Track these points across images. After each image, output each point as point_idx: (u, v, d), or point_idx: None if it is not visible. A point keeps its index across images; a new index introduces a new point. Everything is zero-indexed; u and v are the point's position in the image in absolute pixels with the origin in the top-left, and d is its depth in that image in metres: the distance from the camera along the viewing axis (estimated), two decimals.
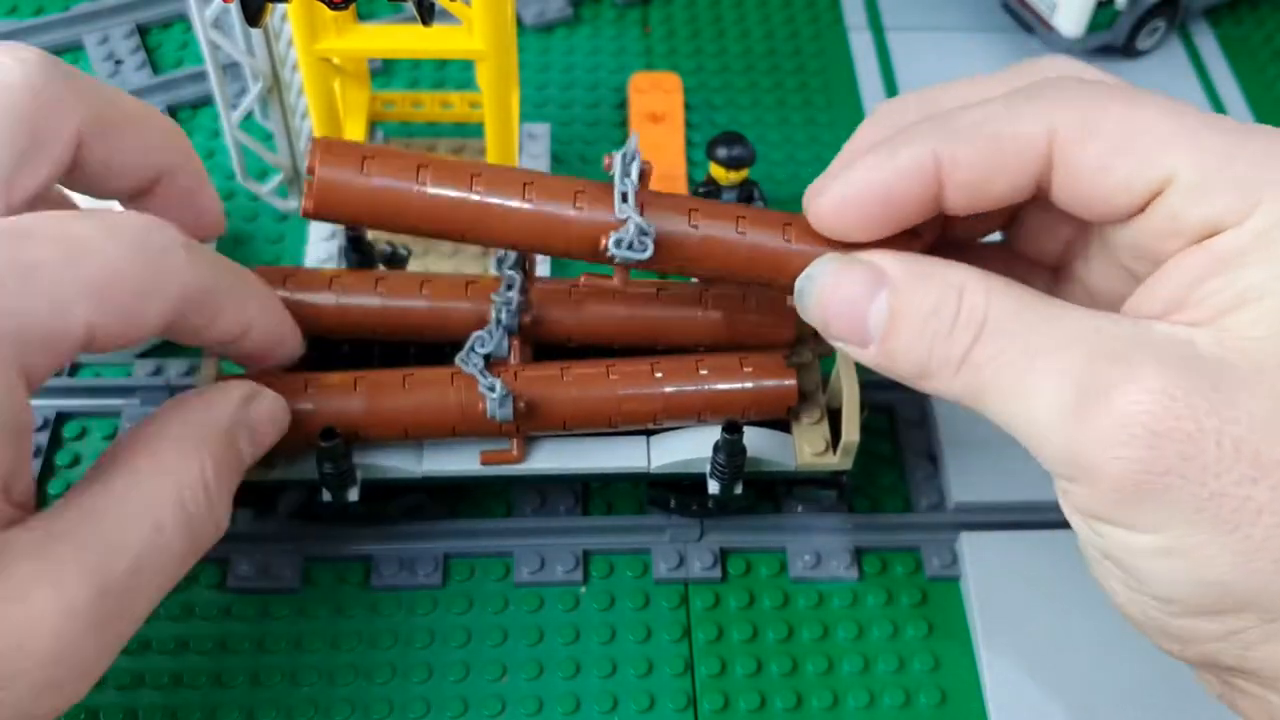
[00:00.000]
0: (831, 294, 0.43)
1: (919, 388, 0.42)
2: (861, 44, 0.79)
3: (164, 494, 0.43)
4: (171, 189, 0.50)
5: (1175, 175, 0.39)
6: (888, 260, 0.43)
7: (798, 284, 0.45)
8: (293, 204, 0.67)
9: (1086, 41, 0.75)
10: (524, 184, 0.45)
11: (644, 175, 0.46)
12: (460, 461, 0.52)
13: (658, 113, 0.72)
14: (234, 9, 0.56)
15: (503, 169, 0.46)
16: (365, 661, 0.52)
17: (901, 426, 0.60)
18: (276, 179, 0.66)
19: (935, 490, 0.58)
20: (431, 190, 0.45)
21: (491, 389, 0.49)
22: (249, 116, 0.62)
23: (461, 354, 0.50)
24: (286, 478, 0.52)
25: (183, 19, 0.76)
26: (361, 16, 0.58)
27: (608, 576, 0.55)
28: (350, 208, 0.46)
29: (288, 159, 0.64)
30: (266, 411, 0.48)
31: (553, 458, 0.53)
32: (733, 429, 0.49)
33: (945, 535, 0.56)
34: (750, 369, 0.52)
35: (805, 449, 0.53)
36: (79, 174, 0.47)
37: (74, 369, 0.60)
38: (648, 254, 0.45)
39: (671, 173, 0.69)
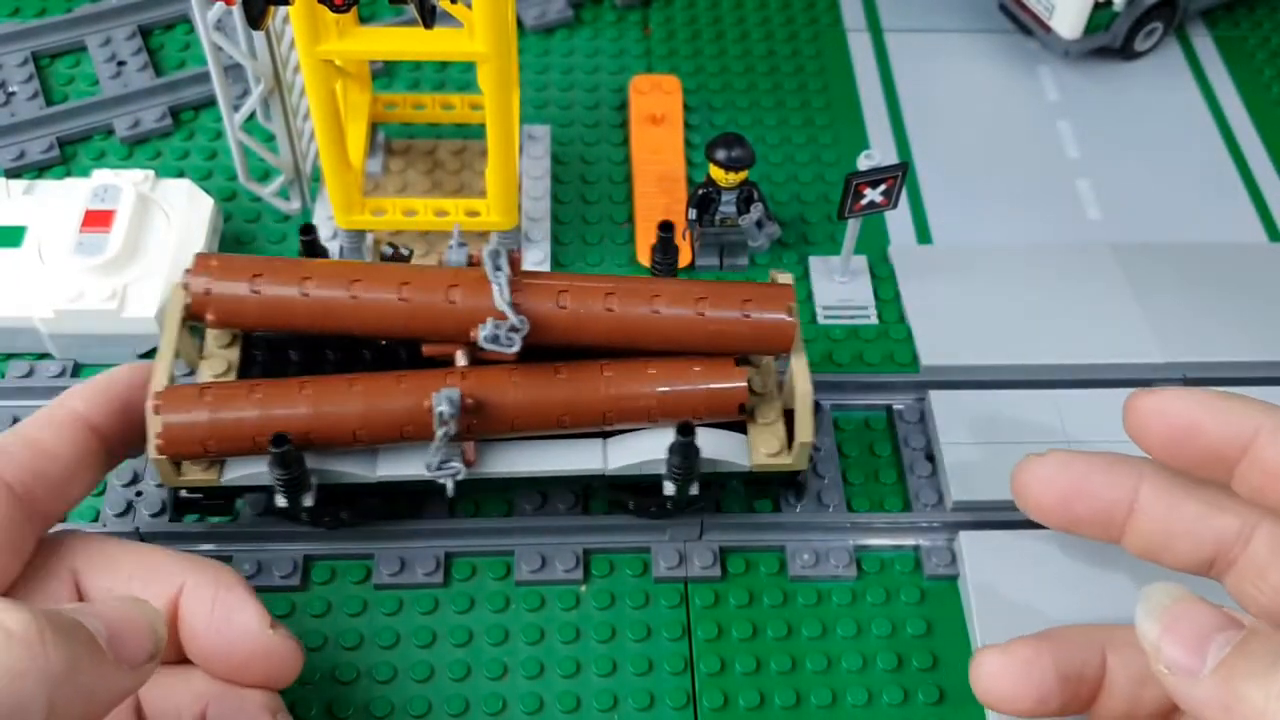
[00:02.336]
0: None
1: None
2: (860, 45, 0.79)
3: None
4: (190, 599, 0.45)
5: None
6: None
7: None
8: (295, 205, 0.67)
9: (1084, 43, 0.76)
10: (400, 282, 0.50)
11: (513, 263, 0.50)
12: (416, 466, 0.51)
13: (658, 114, 0.72)
14: (236, 11, 0.56)
15: (380, 268, 0.51)
16: (365, 661, 0.52)
17: (901, 426, 0.60)
18: (278, 180, 0.66)
19: (934, 490, 0.58)
20: (314, 293, 0.50)
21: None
22: (251, 118, 0.62)
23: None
24: (241, 483, 0.51)
25: (185, 21, 0.76)
26: (363, 19, 0.58)
27: (608, 575, 0.55)
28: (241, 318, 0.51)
29: (290, 160, 0.65)
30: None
31: (507, 460, 0.52)
32: (686, 431, 0.49)
33: (944, 534, 0.57)
34: (700, 369, 0.51)
35: (760, 449, 0.52)
36: None
37: (76, 369, 0.61)
38: (515, 349, 0.48)
39: (672, 174, 0.69)
